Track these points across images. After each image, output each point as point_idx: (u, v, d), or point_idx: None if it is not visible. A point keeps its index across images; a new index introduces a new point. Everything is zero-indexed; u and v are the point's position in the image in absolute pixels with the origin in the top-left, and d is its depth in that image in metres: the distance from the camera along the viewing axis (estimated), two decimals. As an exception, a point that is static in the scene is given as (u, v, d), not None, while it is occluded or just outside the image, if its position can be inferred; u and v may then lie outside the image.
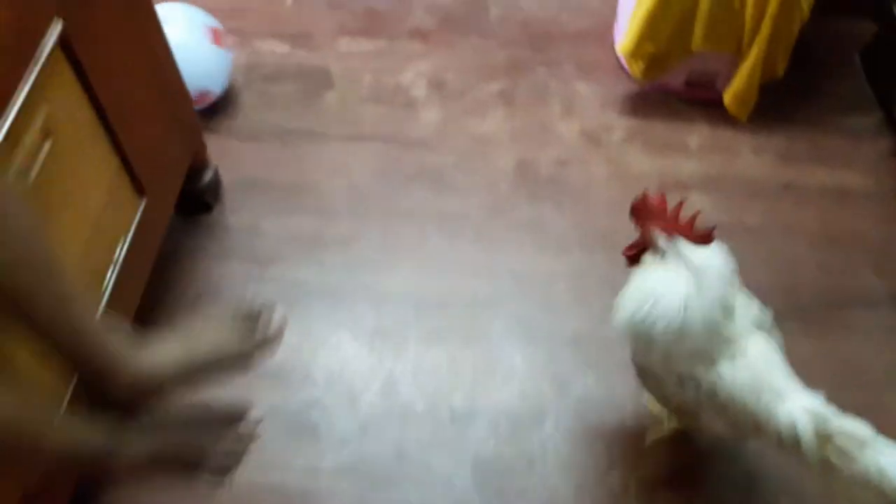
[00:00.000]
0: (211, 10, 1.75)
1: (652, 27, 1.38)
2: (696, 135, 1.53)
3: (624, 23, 1.55)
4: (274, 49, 1.70)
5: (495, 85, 1.63)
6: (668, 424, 1.16)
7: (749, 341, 0.90)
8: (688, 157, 1.50)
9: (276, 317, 0.94)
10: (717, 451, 1.18)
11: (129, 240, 1.09)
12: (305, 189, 1.48)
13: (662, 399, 1.05)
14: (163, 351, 0.82)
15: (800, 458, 0.87)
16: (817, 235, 1.41)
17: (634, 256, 0.95)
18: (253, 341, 0.89)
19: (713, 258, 0.88)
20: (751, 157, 1.50)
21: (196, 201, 1.42)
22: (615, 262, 1.01)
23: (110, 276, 1.05)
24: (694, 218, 0.91)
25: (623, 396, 1.21)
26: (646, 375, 1.01)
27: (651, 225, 0.90)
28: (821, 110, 1.57)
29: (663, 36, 1.40)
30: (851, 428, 0.84)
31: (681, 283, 0.87)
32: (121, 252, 1.07)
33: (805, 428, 0.85)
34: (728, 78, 1.48)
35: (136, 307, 1.15)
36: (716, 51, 1.43)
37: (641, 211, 0.93)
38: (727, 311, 0.88)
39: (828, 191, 1.46)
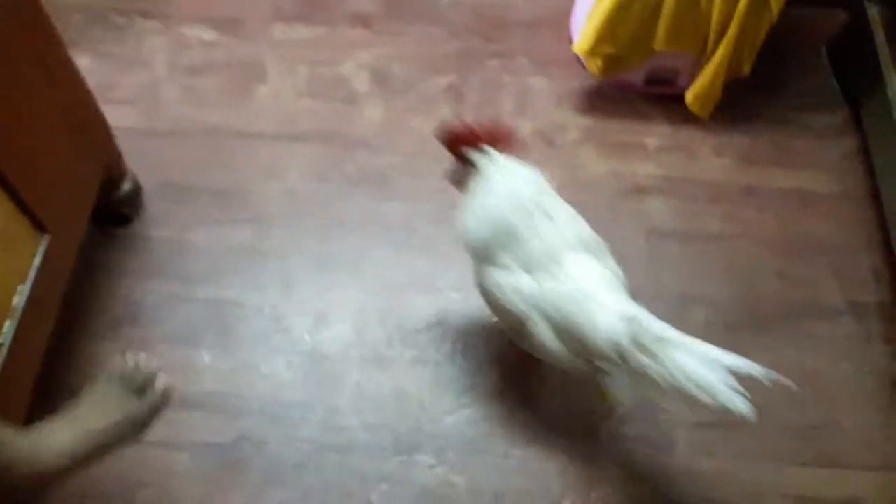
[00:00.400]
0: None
1: (610, 28, 1.28)
2: (656, 135, 1.45)
3: (581, 13, 1.45)
4: (201, 36, 1.55)
5: (444, 79, 1.51)
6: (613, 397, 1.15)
7: (573, 258, 0.94)
8: (646, 159, 1.42)
9: (161, 382, 0.86)
10: (669, 474, 1.13)
11: (30, 284, 0.97)
12: (236, 195, 1.36)
13: (502, 317, 1.04)
14: (54, 441, 0.75)
15: (623, 368, 0.90)
16: (779, 242, 1.35)
17: (459, 182, 1.00)
18: (143, 413, 0.84)
19: (521, 165, 0.96)
20: (712, 158, 1.42)
21: (114, 214, 1.29)
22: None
23: (9, 328, 0.93)
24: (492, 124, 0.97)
25: (577, 417, 1.15)
26: (487, 295, 1.03)
27: (461, 146, 0.96)
28: (785, 107, 1.49)
29: (623, 37, 1.30)
30: (659, 330, 0.87)
31: (501, 188, 0.94)
32: (20, 299, 0.95)
33: (621, 333, 0.88)
34: (690, 75, 1.39)
35: (44, 349, 1.04)
36: (679, 51, 1.34)
37: (448, 138, 0.97)
38: (542, 211, 0.95)
39: (790, 194, 1.39)
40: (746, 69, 1.35)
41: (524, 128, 1.45)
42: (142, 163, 1.34)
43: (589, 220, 1.08)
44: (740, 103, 1.46)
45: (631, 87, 1.47)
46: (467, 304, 1.25)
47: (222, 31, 1.56)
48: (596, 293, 0.92)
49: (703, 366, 0.83)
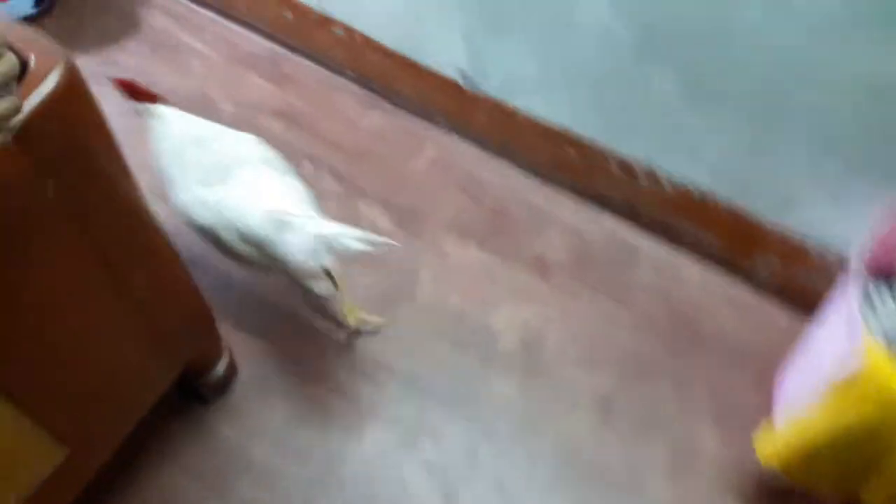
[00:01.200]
0: (333, 143, 1.54)
1: (808, 458, 0.97)
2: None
3: (791, 387, 1.13)
4: (375, 220, 1.44)
5: (600, 381, 1.26)
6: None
7: (247, 170, 1.09)
8: None
9: None
10: None
11: (27, 495, 0.87)
12: (317, 426, 1.20)
13: (201, 234, 1.12)
14: None
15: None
16: None
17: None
18: None
19: (181, 112, 1.15)
20: None
21: (193, 392, 1.20)
22: None
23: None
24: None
25: None
26: (182, 215, 1.12)
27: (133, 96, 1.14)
28: None
29: (821, 474, 0.98)
30: (322, 227, 1.01)
31: (169, 129, 1.13)
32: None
33: (266, 219, 1.02)
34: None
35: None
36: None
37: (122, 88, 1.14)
38: (200, 141, 1.12)
39: None
40: None
41: (664, 498, 1.15)
42: (250, 344, 1.26)
43: None
44: None
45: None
46: None
47: (398, 221, 1.44)
48: (263, 197, 1.05)
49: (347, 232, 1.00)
